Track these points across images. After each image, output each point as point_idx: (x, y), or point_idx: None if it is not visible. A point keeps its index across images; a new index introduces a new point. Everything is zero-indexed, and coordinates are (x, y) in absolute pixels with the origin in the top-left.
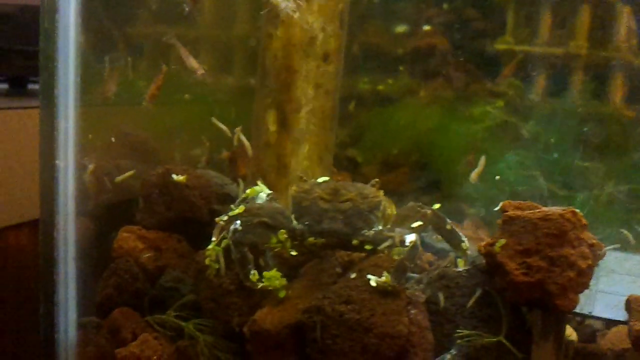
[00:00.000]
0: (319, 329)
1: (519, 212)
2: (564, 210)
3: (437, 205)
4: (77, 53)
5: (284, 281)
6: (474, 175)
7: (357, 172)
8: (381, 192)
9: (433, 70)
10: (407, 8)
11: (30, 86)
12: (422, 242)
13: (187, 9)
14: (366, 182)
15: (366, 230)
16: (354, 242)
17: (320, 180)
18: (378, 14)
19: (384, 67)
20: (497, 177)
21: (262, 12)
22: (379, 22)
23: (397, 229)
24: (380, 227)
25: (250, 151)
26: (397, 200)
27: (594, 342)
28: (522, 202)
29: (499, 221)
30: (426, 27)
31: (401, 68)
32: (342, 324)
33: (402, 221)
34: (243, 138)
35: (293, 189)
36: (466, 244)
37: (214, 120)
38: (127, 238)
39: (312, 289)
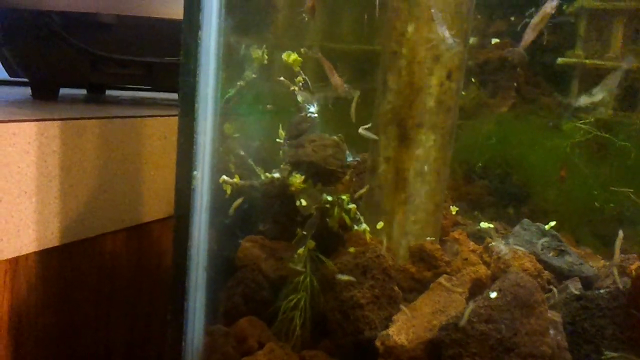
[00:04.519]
0: (458, 346)
1: None
2: None
3: (552, 223)
4: (217, 69)
5: None
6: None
7: None
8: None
9: (504, 83)
10: (477, 20)
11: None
12: (539, 259)
13: (306, 18)
14: None
15: None
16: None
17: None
18: None
19: None
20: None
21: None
22: None
23: None
24: None
25: None
26: (478, 212)
27: None
28: None
29: None
30: (495, 40)
31: (472, 80)
32: (483, 343)
33: None
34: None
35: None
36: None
37: (362, 129)
38: (250, 247)
39: (444, 305)
